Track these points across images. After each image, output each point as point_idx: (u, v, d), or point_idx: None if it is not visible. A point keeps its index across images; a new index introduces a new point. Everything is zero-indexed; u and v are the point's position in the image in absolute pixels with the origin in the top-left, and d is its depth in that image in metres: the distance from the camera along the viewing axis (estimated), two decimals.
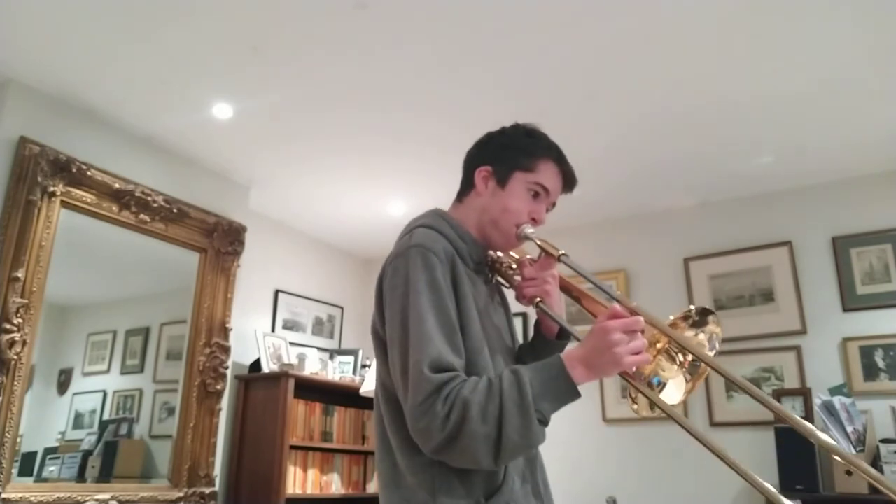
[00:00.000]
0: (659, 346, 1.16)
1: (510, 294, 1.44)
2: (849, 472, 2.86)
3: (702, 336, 1.16)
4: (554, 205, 1.38)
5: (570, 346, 1.19)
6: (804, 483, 2.90)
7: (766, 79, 2.72)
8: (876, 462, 2.90)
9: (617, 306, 1.14)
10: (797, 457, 2.96)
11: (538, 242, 1.32)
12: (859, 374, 3.25)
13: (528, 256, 1.40)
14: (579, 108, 2.96)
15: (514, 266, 1.41)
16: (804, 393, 3.21)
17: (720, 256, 3.74)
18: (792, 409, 3.20)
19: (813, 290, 3.48)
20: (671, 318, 1.15)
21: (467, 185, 1.38)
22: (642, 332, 1.10)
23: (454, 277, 1.19)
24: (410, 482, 1.15)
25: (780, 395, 3.26)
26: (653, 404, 1.10)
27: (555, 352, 1.26)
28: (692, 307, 1.17)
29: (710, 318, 1.17)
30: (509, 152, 1.34)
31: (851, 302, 3.37)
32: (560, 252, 1.29)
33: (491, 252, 1.39)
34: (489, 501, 1.12)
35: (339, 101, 2.94)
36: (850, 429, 2.96)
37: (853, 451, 2.92)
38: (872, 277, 3.36)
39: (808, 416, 3.14)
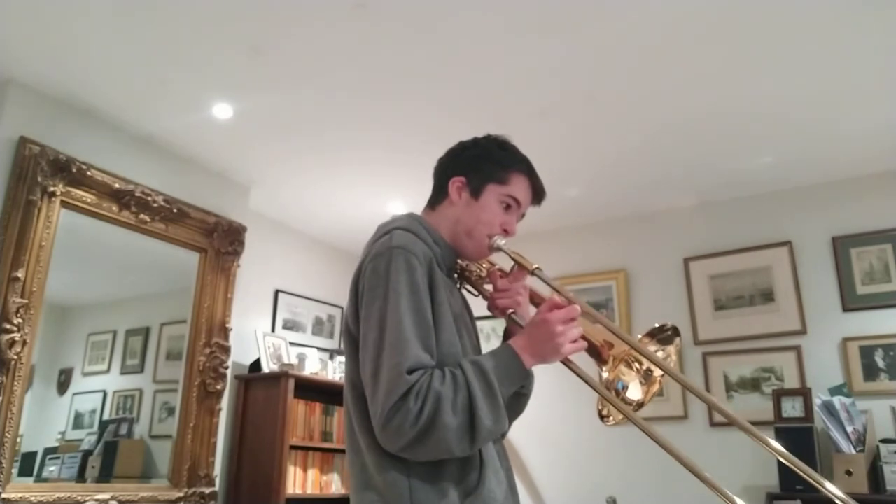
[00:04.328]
0: (621, 355, 1.24)
1: (472, 300, 1.45)
2: (849, 472, 2.87)
3: (661, 353, 1.27)
4: (523, 216, 1.41)
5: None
6: (804, 483, 2.89)
7: (766, 79, 2.72)
8: (876, 462, 2.91)
9: (556, 297, 1.22)
10: (797, 457, 2.94)
11: (511, 255, 1.34)
12: (859, 374, 3.25)
13: (497, 267, 1.42)
14: (580, 109, 2.96)
15: (484, 275, 1.43)
16: (804, 393, 3.21)
17: (720, 256, 3.74)
18: (792, 410, 3.20)
19: (813, 290, 3.48)
20: (639, 336, 1.25)
21: (440, 194, 1.40)
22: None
23: (431, 282, 1.20)
24: (382, 483, 1.13)
25: (780, 395, 3.25)
26: (622, 412, 1.19)
27: None
28: (668, 324, 1.27)
29: (677, 339, 1.28)
30: (483, 164, 1.36)
31: (851, 302, 3.37)
32: (534, 266, 1.31)
33: (459, 261, 1.41)
34: (466, 501, 1.12)
35: (338, 101, 2.94)
36: (850, 429, 2.96)
37: (853, 452, 2.92)
38: (872, 277, 3.36)
39: (808, 415, 3.14)
